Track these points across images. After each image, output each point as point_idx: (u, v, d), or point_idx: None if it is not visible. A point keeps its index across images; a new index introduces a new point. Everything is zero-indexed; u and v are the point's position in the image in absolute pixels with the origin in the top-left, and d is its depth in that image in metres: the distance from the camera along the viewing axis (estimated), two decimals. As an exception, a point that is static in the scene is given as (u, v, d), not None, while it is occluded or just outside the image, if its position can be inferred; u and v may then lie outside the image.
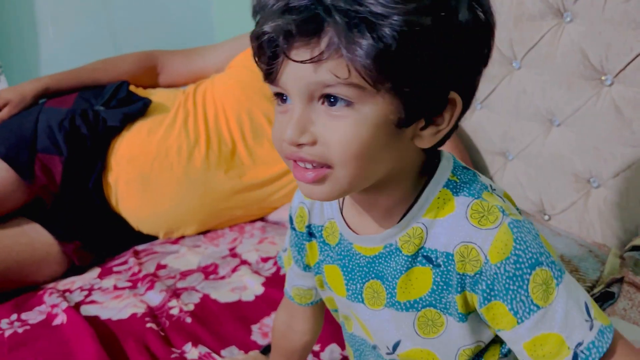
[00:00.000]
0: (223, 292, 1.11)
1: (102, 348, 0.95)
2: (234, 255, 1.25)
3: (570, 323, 0.50)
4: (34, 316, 1.09)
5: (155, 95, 1.40)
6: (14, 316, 1.09)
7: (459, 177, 0.56)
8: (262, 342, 0.98)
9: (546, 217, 1.18)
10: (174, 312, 1.06)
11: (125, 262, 1.27)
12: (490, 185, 0.57)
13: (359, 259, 0.60)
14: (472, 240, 0.52)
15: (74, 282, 1.21)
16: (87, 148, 1.28)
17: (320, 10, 0.45)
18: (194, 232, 1.36)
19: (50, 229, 1.24)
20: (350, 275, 0.62)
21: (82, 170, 1.28)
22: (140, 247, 1.34)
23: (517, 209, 0.57)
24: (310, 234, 0.66)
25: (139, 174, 1.29)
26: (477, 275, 0.52)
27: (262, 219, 1.42)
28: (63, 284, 1.20)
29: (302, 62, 0.47)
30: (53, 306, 1.09)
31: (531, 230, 0.53)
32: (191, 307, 1.07)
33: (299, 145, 0.50)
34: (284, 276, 1.13)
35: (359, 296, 0.61)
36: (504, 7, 1.14)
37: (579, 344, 0.50)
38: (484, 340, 0.57)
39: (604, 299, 0.87)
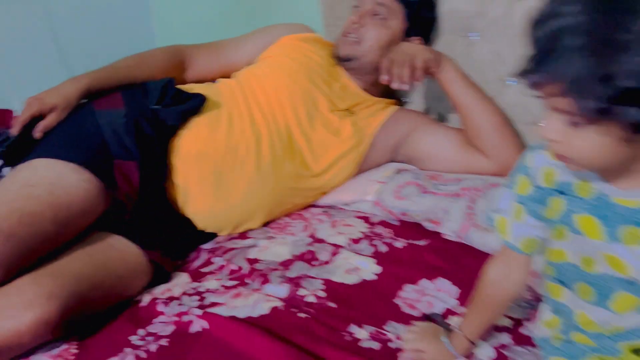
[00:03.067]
0: (340, 275, 1.15)
1: (277, 343, 0.94)
2: (319, 241, 1.28)
3: None
4: (162, 328, 1.04)
5: (196, 90, 1.36)
6: (142, 331, 1.03)
7: None
8: (414, 313, 1.04)
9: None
10: (311, 299, 1.08)
11: (209, 263, 1.24)
12: None
13: (617, 208, 0.71)
14: None
15: (171, 289, 1.16)
16: (154, 150, 1.22)
17: None
18: (260, 224, 1.36)
19: (132, 238, 1.16)
20: (607, 222, 0.72)
21: (153, 173, 1.21)
22: (207, 247, 1.31)
23: None
24: (559, 190, 0.75)
25: (213, 171, 1.26)
26: None
27: (312, 205, 1.45)
28: (161, 293, 1.15)
29: None
30: (179, 314, 1.05)
31: None
32: (323, 294, 1.09)
33: None
34: (388, 253, 1.20)
35: (617, 238, 0.72)
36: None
37: None
38: None
39: None
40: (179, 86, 1.38)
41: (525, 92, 0.67)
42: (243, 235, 1.34)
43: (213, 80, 1.48)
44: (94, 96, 1.27)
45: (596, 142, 0.63)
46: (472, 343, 0.90)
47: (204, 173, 1.26)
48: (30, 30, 1.94)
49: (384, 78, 1.32)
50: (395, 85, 1.31)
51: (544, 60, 0.60)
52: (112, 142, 1.17)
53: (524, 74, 0.63)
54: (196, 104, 1.29)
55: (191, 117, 1.29)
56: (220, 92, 1.37)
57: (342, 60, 1.45)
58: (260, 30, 1.54)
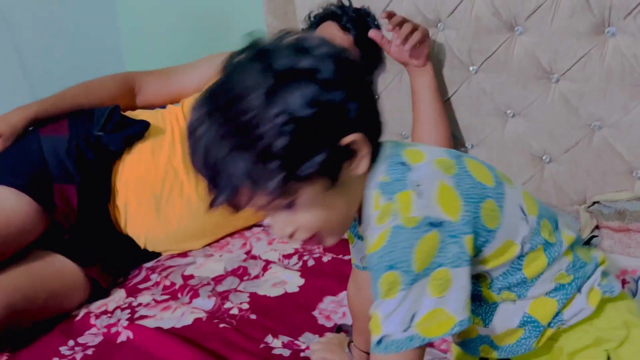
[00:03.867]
0: (267, 288, 1.22)
1: (194, 350, 1.01)
2: (253, 257, 1.35)
3: (393, 317, 0.64)
4: (91, 339, 1.11)
5: (142, 117, 1.44)
6: (71, 342, 1.10)
7: (390, 175, 0.67)
8: (328, 324, 1.11)
9: (506, 192, 1.45)
10: (234, 312, 1.15)
11: (147, 279, 1.31)
12: (417, 184, 0.65)
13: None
14: (372, 233, 0.66)
15: (107, 304, 1.23)
16: (94, 174, 1.30)
17: None
18: (201, 246, 1.42)
19: (71, 256, 1.24)
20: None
21: (93, 196, 1.29)
22: (148, 265, 1.38)
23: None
24: None
25: (151, 194, 1.34)
26: (369, 256, 0.67)
27: (255, 225, 1.53)
28: (96, 308, 1.22)
29: None
30: (108, 326, 1.12)
31: (409, 240, 0.63)
32: (247, 306, 1.16)
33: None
34: (314, 267, 1.28)
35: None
36: (464, 22, 1.39)
37: (388, 335, 0.65)
38: None
39: (589, 240, 1.16)
40: (127, 112, 1.47)
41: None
42: (184, 255, 1.41)
43: (163, 105, 1.57)
44: (42, 123, 1.36)
45: (314, 207, 0.65)
46: (366, 352, 0.95)
47: (144, 196, 1.33)
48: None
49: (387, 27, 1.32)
50: (396, 41, 1.32)
51: (218, 180, 0.62)
52: (53, 167, 1.25)
53: (215, 202, 0.64)
54: (138, 130, 1.37)
55: (135, 143, 1.37)
56: (165, 118, 1.45)
57: None
58: (209, 58, 1.62)
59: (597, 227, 1.18)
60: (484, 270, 0.72)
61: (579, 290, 0.75)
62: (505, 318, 0.75)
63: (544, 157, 1.39)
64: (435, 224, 0.64)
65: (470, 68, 1.43)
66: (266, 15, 1.76)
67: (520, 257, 0.73)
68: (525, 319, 0.75)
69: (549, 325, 0.75)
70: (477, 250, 0.70)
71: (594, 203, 1.28)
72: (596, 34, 1.24)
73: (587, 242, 1.16)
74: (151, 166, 1.35)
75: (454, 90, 1.47)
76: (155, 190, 1.34)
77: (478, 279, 0.73)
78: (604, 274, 0.79)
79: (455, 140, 1.51)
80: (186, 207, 1.36)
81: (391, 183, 0.66)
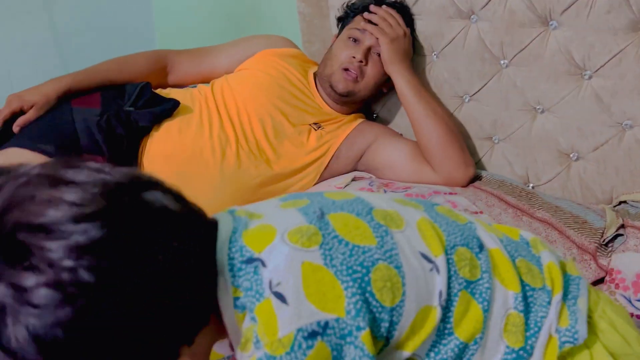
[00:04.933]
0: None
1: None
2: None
3: None
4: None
5: (172, 95, 1.46)
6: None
7: (241, 284, 0.52)
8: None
9: (530, 186, 1.44)
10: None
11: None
12: (276, 282, 0.49)
13: None
14: None
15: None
16: (123, 148, 1.32)
17: None
18: (222, 224, 1.43)
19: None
20: None
21: (120, 169, 1.31)
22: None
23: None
24: None
25: (176, 172, 1.35)
26: None
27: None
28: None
29: None
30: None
31: None
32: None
33: None
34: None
35: None
36: (497, 15, 1.38)
37: None
38: None
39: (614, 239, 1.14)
40: (157, 90, 1.49)
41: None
42: (206, 232, 1.42)
43: (193, 84, 1.59)
44: (74, 95, 1.38)
45: None
46: None
47: (168, 174, 1.31)
48: (35, 39, 2.07)
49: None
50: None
51: None
52: (83, 137, 1.28)
53: None
54: (167, 108, 1.39)
55: (163, 120, 1.39)
56: (194, 98, 1.47)
57: (339, 95, 1.50)
58: (241, 41, 1.64)
59: (622, 226, 1.17)
60: (405, 356, 0.55)
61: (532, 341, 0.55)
62: None
63: (571, 155, 1.37)
64: (317, 332, 0.48)
65: (502, 61, 1.42)
66: (298, 2, 1.77)
67: (444, 318, 0.54)
68: None
69: None
70: (384, 339, 0.52)
71: (621, 202, 1.26)
72: (633, 30, 1.22)
73: (612, 240, 1.14)
74: (178, 144, 1.37)
75: (483, 83, 1.46)
76: (180, 168, 1.36)
77: None
78: (569, 300, 0.58)
79: (483, 134, 1.50)
80: (209, 186, 1.38)
81: (245, 296, 0.50)
